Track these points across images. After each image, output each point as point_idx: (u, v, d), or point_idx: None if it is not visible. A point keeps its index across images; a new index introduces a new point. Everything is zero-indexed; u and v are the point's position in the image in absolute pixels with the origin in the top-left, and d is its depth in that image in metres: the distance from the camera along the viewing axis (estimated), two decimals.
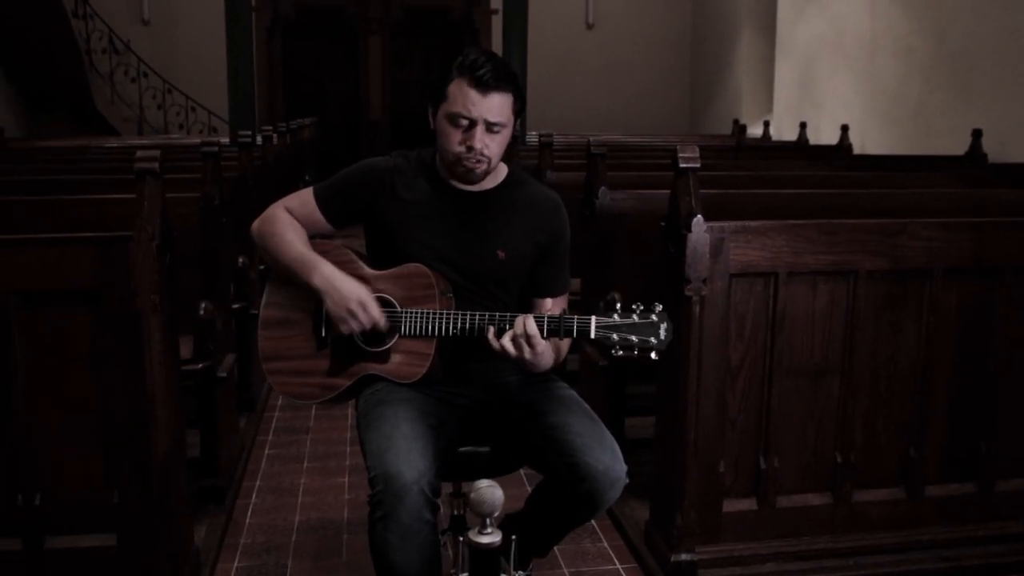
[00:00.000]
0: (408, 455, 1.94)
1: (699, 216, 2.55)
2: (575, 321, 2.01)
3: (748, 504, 2.79)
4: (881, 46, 7.49)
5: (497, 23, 11.18)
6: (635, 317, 1.98)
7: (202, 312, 3.12)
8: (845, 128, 7.08)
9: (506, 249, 2.21)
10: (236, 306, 3.92)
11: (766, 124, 8.90)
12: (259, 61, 12.20)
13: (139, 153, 2.44)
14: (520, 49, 8.78)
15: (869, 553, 2.84)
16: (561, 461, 2.05)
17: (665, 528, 2.77)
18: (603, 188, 3.49)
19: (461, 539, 2.35)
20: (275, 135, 6.01)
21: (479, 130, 2.10)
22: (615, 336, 1.98)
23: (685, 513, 2.69)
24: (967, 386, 2.85)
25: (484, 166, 2.15)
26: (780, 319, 2.69)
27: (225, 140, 6.48)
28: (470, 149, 2.11)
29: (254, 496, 3.41)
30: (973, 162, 5.57)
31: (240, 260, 4.11)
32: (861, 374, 2.77)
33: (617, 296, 3.25)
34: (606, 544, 3.06)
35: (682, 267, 2.56)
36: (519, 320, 2.03)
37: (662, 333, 1.98)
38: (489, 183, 2.24)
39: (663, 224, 2.71)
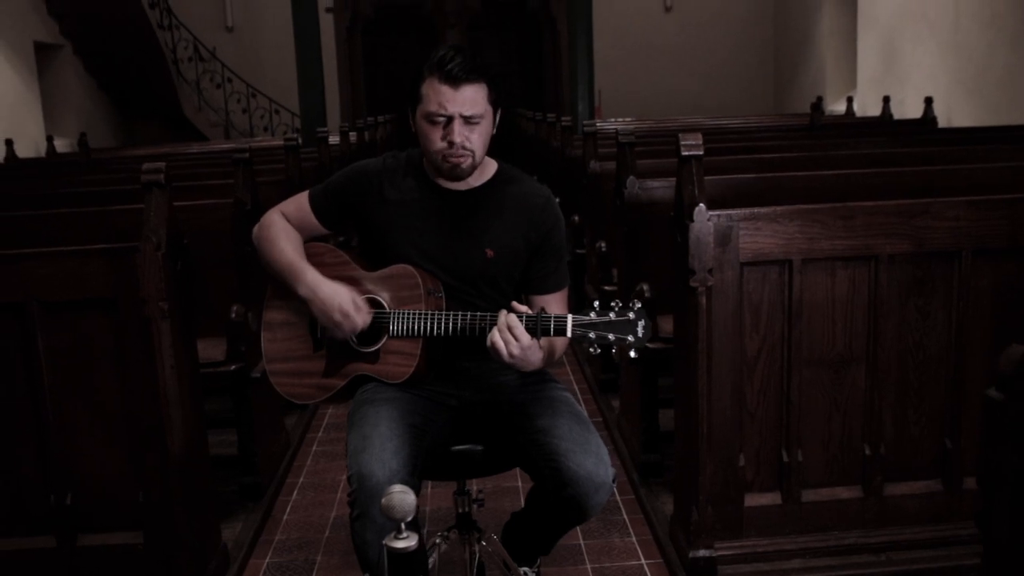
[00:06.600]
0: (381, 455, 1.95)
1: (701, 205, 2.48)
2: (552, 320, 1.98)
3: (771, 498, 2.71)
4: (965, 13, 7.12)
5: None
6: (612, 315, 1.95)
7: (234, 315, 3.20)
8: (929, 100, 6.75)
9: (494, 247, 2.20)
10: None
11: (849, 100, 8.59)
12: (339, 61, 12.45)
13: (145, 166, 2.52)
14: (586, 34, 8.68)
15: (904, 548, 2.72)
16: (546, 465, 2.04)
17: (684, 523, 2.71)
18: (631, 178, 3.43)
19: (476, 537, 2.38)
20: (334, 135, 6.09)
21: (457, 124, 2.10)
22: (592, 334, 1.96)
23: (701, 508, 2.62)
24: None
25: (469, 160, 2.14)
26: (797, 308, 2.60)
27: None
28: (451, 144, 2.11)
29: (295, 493, 3.49)
30: None
31: None
32: (888, 362, 2.65)
33: (645, 288, 3.23)
34: (634, 538, 3.02)
35: (686, 258, 2.49)
36: (501, 314, 2.02)
37: (639, 330, 1.94)
38: (476, 180, 2.23)
39: (671, 214, 2.65)
